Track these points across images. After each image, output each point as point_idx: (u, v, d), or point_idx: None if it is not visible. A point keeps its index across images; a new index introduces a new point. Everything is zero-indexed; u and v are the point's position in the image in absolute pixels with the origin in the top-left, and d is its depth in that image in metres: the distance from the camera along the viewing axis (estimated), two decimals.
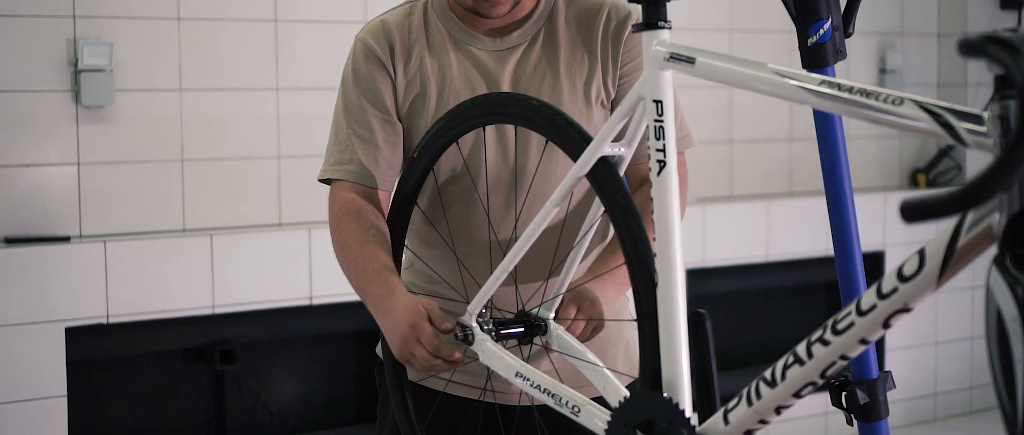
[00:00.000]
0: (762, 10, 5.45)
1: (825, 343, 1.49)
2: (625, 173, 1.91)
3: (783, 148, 5.63)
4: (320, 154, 2.43)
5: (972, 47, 1.22)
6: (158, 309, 4.08)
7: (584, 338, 2.09)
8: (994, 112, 1.23)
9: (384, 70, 2.25)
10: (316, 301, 4.29)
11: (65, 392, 3.94)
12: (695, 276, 5.14)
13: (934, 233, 1.36)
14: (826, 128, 2.05)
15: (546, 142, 2.09)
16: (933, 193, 1.17)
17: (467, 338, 2.09)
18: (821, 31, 1.99)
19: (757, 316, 5.51)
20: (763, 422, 1.62)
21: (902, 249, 5.60)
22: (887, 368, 5.59)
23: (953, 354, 6.00)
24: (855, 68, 5.72)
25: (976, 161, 5.86)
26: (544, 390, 1.94)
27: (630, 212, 1.80)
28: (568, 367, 2.08)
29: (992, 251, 1.26)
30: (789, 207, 5.41)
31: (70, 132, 4.11)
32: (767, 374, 1.57)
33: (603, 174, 1.85)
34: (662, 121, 1.74)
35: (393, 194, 2.27)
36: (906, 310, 1.40)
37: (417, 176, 2.22)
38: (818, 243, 5.31)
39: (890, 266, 5.45)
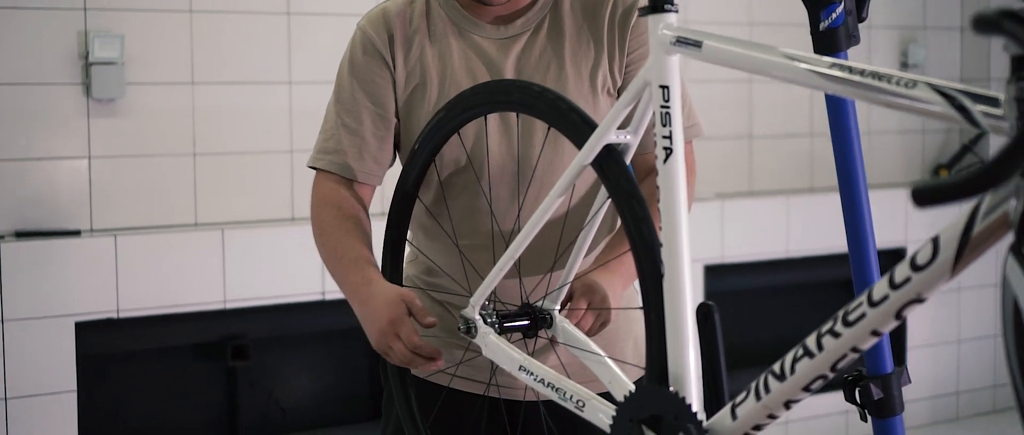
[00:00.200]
0: (781, 3, 5.39)
1: (836, 335, 1.45)
2: (631, 163, 1.86)
3: (803, 143, 5.59)
4: None
5: (986, 23, 1.16)
6: (169, 304, 4.06)
7: (592, 333, 2.05)
8: (1010, 93, 1.19)
9: (382, 61, 2.22)
10: (329, 296, 4.26)
11: (75, 387, 3.92)
12: (713, 272, 5.10)
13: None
14: (839, 116, 2.00)
15: (548, 129, 2.04)
16: (947, 177, 1.12)
17: (470, 331, 2.05)
18: (833, 15, 1.94)
19: (776, 313, 5.46)
20: (772, 417, 1.58)
21: None
22: (909, 366, 5.55)
23: (976, 352, 5.94)
24: (876, 62, 5.66)
25: None
26: (548, 384, 1.90)
27: (635, 198, 1.75)
28: (575, 362, 2.04)
29: (1009, 239, 1.22)
30: (809, 203, 5.36)
31: (81, 125, 4.09)
32: (776, 367, 1.53)
33: (608, 162, 1.80)
34: (668, 107, 1.70)
35: (395, 188, 2.23)
36: (919, 301, 1.36)
37: (418, 169, 2.18)
38: (839, 239, 5.19)
39: None
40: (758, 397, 1.56)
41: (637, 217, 1.74)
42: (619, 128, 1.81)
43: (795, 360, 1.50)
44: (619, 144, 1.82)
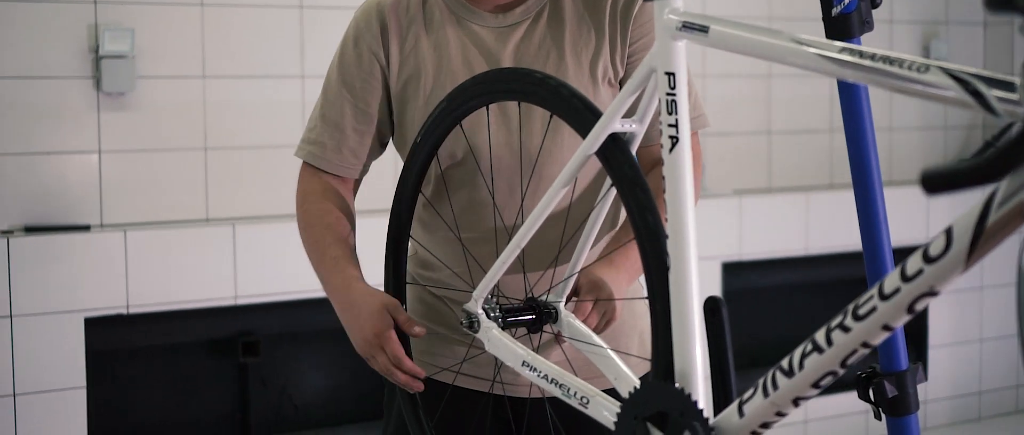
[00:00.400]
0: None
1: (845, 329, 1.40)
2: (636, 155, 1.81)
3: (823, 139, 5.54)
4: None
5: (1001, 1, 1.11)
6: (179, 300, 4.04)
7: (598, 331, 2.01)
8: None
9: (372, 54, 2.19)
10: None
11: (84, 383, 3.91)
12: (731, 269, 5.07)
13: None
14: (852, 103, 1.94)
15: (550, 117, 1.99)
16: (957, 162, 1.07)
17: (473, 326, 2.01)
18: (846, 0, 1.88)
19: (795, 311, 5.41)
20: (780, 414, 1.53)
21: None
22: (930, 366, 5.47)
23: (999, 351, 5.88)
24: None
25: None
26: (552, 380, 1.86)
27: (640, 186, 1.71)
28: (580, 358, 2.01)
29: None
30: (829, 199, 5.31)
31: (91, 120, 4.08)
32: (784, 363, 1.49)
33: (613, 151, 1.75)
34: (674, 94, 1.65)
35: (397, 183, 2.19)
36: (932, 294, 1.31)
37: (421, 163, 2.13)
38: (859, 237, 5.19)
39: None
40: (766, 394, 1.51)
41: (642, 206, 1.69)
42: (624, 117, 1.77)
43: (804, 356, 1.46)
44: (624, 133, 1.77)
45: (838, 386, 2.03)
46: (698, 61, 5.20)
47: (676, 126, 1.64)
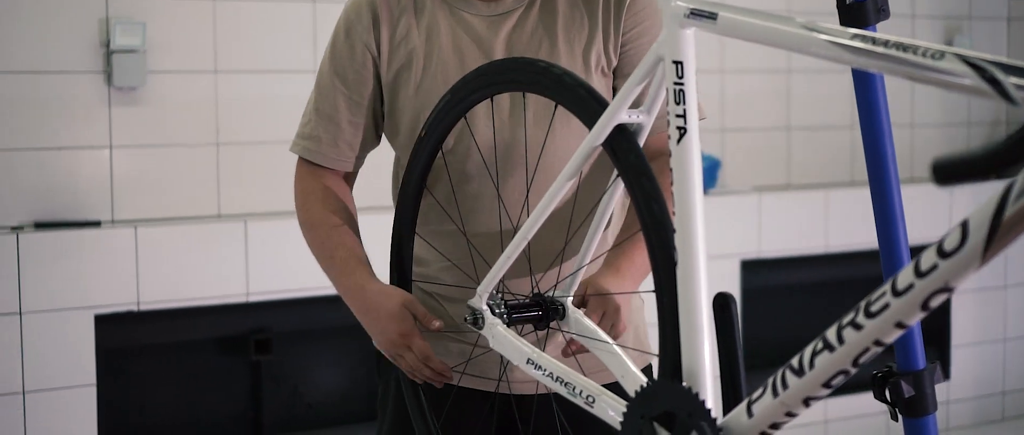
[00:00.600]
0: None
1: (857, 327, 1.35)
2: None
3: (843, 135, 5.49)
4: None
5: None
6: (190, 297, 4.02)
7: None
8: None
9: (363, 45, 2.18)
10: None
11: (94, 381, 3.89)
12: (749, 268, 5.03)
13: None
14: (867, 92, 1.89)
15: (555, 108, 1.95)
16: (971, 150, 1.02)
17: (477, 322, 1.97)
18: None
19: (814, 310, 5.36)
20: (790, 414, 1.48)
21: None
22: (953, 366, 5.41)
23: (1023, 351, 5.81)
24: None
25: None
26: (557, 378, 1.83)
27: (647, 177, 1.67)
28: (584, 351, 1.96)
29: None
30: (849, 197, 5.27)
31: (101, 114, 4.06)
32: (794, 362, 1.44)
33: (620, 143, 1.71)
34: (682, 84, 1.61)
35: (402, 179, 2.17)
36: (947, 290, 1.26)
37: (426, 157, 2.10)
38: None
39: None
40: (775, 393, 1.47)
41: (649, 199, 1.65)
42: (630, 107, 1.73)
43: (814, 354, 1.41)
44: (631, 124, 1.73)
45: (859, 385, 1.98)
46: (716, 56, 5.17)
47: (684, 116, 1.60)
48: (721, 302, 1.59)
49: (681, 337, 1.59)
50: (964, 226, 1.22)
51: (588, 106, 1.76)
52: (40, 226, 3.94)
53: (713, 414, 1.54)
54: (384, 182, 2.38)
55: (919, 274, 1.27)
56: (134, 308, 3.93)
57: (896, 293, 1.30)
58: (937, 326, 5.52)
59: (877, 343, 1.34)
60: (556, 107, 1.88)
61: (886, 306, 1.31)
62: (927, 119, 5.71)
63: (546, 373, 1.84)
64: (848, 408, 5.15)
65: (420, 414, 2.14)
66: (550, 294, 1.96)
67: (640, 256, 2.04)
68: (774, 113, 5.39)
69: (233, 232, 4.08)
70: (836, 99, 5.48)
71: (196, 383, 4.22)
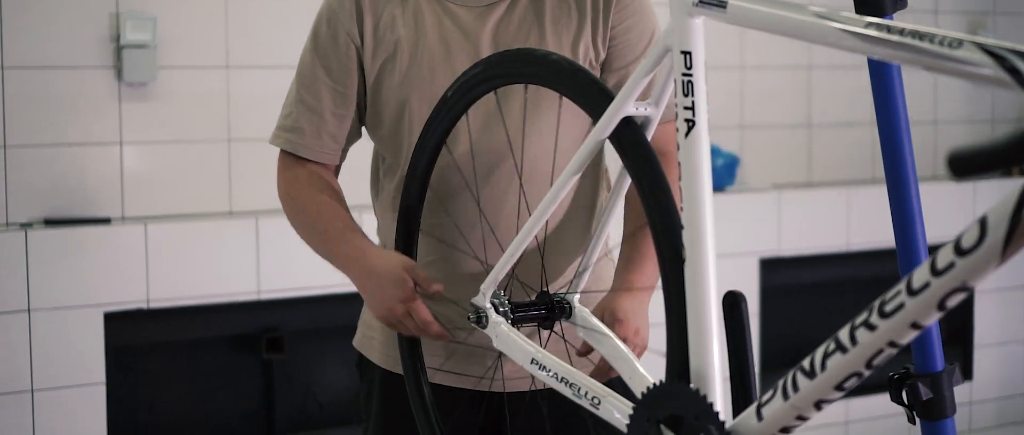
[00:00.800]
0: None
1: (871, 328, 1.30)
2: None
3: (865, 132, 5.44)
4: None
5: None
6: (201, 294, 4.00)
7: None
8: None
9: (347, 35, 2.14)
10: None
11: (104, 379, 3.87)
12: (769, 266, 5.00)
13: None
14: (884, 83, 1.83)
15: (560, 100, 1.91)
16: (987, 141, 0.96)
17: (480, 321, 1.94)
18: None
19: (835, 310, 5.30)
20: (801, 418, 1.43)
21: None
22: (976, 366, 5.34)
23: None
24: None
25: None
26: (561, 379, 1.79)
27: (656, 174, 1.63)
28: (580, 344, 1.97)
29: None
30: (871, 194, 5.22)
31: (112, 110, 4.04)
32: (805, 363, 1.39)
33: (627, 137, 1.67)
34: (691, 75, 1.57)
35: (405, 175, 2.14)
36: (965, 289, 1.21)
37: (429, 155, 2.07)
38: None
39: None
40: (786, 396, 1.42)
41: (657, 195, 1.61)
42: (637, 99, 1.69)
43: (826, 355, 1.36)
44: (638, 117, 1.68)
45: (880, 385, 1.93)
46: (736, 52, 5.13)
47: (693, 109, 1.57)
48: (731, 301, 1.55)
49: (689, 337, 1.55)
50: (982, 222, 1.17)
51: (594, 99, 1.72)
52: (49, 223, 3.92)
53: (721, 417, 1.49)
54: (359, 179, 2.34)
55: (935, 272, 1.22)
56: (144, 306, 3.92)
57: (911, 292, 1.25)
58: (960, 326, 5.48)
59: (891, 344, 1.29)
60: (526, 118, 1.85)
61: (901, 306, 1.26)
62: (950, 116, 5.66)
63: (551, 374, 1.81)
64: (869, 409, 5.10)
65: (424, 413, 2.10)
66: (557, 293, 1.93)
67: (650, 266, 2.03)
68: (795, 109, 5.36)
69: (244, 229, 4.05)
70: (858, 95, 5.41)
71: (207, 382, 4.20)
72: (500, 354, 1.95)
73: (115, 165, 4.05)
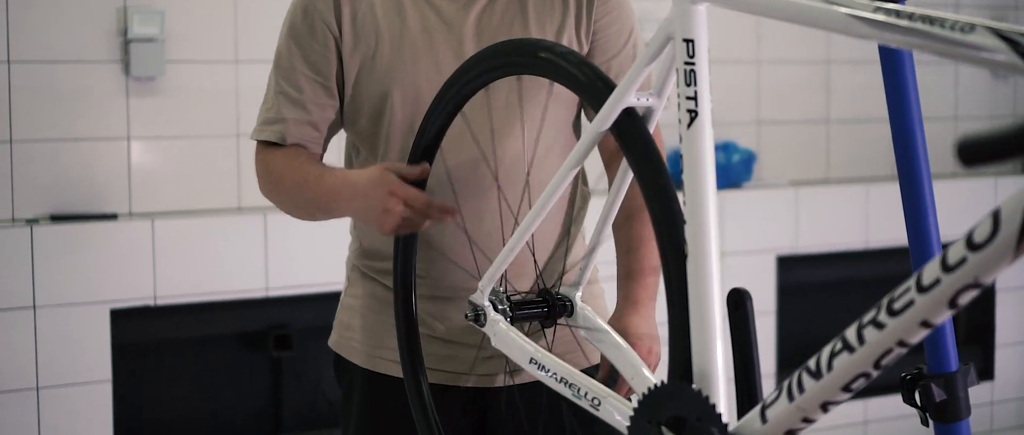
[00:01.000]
0: None
1: (879, 326, 1.25)
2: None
3: (885, 128, 5.31)
4: None
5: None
6: (209, 291, 3.98)
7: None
8: None
9: (324, 25, 2.09)
10: None
11: (110, 376, 3.86)
12: (786, 264, 4.97)
13: None
14: (895, 70, 1.79)
15: (551, 90, 1.87)
16: (999, 128, 0.91)
17: (478, 319, 1.90)
18: None
19: (853, 308, 5.24)
20: (807, 420, 1.38)
21: None
22: (997, 367, 5.26)
23: None
24: None
25: None
26: (561, 380, 1.75)
27: (658, 167, 1.58)
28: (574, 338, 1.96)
29: None
30: (890, 191, 5.15)
31: (119, 105, 4.02)
32: (811, 363, 1.34)
33: (628, 128, 1.62)
34: (694, 64, 1.52)
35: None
36: (977, 286, 1.16)
37: (423, 151, 2.02)
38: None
39: None
40: (791, 397, 1.36)
41: (658, 188, 1.56)
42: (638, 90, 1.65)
43: (833, 355, 1.31)
44: (640, 107, 1.63)
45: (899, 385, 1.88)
46: (752, 46, 5.10)
47: (696, 99, 1.51)
48: (735, 299, 1.50)
49: (692, 336, 1.49)
50: (995, 216, 1.12)
51: (595, 89, 1.67)
52: (56, 219, 3.90)
53: (724, 419, 1.44)
54: None
55: (946, 268, 1.17)
56: (151, 303, 3.90)
57: (921, 289, 1.20)
58: (980, 324, 5.43)
59: (901, 343, 1.24)
60: (492, 125, 1.81)
61: (910, 303, 1.21)
62: (971, 111, 5.60)
63: (550, 374, 1.77)
64: (888, 408, 5.05)
65: (423, 413, 2.06)
66: (557, 290, 1.89)
67: (652, 276, 2.02)
68: (812, 105, 5.33)
69: (253, 226, 4.03)
70: (877, 90, 5.34)
71: (214, 379, 4.18)
72: (479, 347, 1.91)
73: (122, 160, 4.03)
